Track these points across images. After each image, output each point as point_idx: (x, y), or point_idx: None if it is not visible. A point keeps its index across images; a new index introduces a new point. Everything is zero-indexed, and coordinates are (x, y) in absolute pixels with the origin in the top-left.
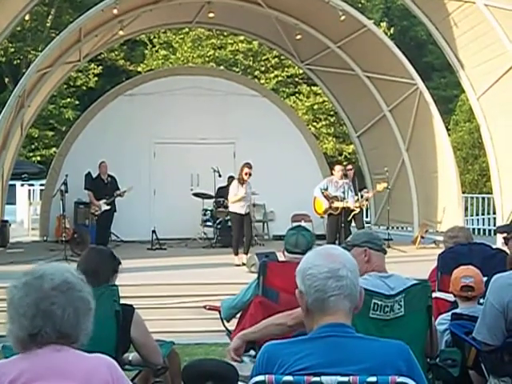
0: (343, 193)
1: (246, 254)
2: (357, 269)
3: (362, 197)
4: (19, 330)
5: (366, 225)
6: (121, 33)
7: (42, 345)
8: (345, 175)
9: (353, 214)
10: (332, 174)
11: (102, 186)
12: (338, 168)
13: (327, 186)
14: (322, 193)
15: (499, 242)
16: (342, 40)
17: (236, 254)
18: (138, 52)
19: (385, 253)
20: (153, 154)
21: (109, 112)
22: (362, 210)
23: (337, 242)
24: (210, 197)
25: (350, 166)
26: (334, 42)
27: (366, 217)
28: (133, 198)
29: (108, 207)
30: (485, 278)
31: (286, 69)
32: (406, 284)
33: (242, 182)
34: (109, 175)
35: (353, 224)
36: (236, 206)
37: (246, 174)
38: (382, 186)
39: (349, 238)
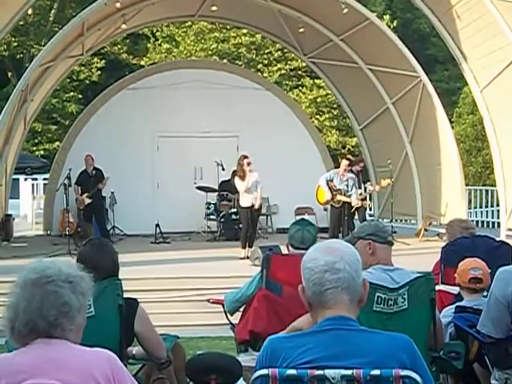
0: (347, 186)
1: (251, 247)
2: (358, 262)
3: (365, 190)
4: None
5: (368, 217)
6: (123, 26)
7: (25, 339)
8: (351, 171)
9: (355, 207)
10: (338, 167)
11: (87, 179)
12: (343, 163)
13: (333, 178)
14: (327, 183)
15: (503, 234)
16: (345, 33)
17: (244, 247)
18: (140, 46)
19: (391, 245)
20: (156, 147)
21: (112, 106)
22: (368, 205)
23: (340, 234)
24: (213, 190)
25: (362, 164)
26: (336, 35)
27: (370, 210)
28: (136, 192)
29: (89, 200)
30: (488, 271)
31: (289, 62)
32: (409, 277)
33: (243, 177)
34: (94, 167)
35: (356, 217)
36: (243, 200)
37: (248, 164)
38: (387, 182)
39: (355, 230)
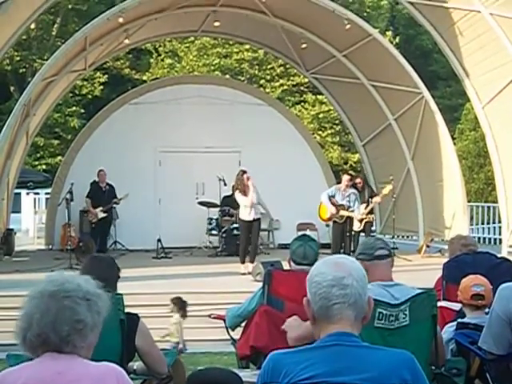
0: (348, 202)
1: (252, 262)
2: (365, 278)
3: (371, 201)
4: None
5: (371, 234)
6: (126, 41)
7: (36, 350)
8: (353, 186)
9: (364, 221)
10: (340, 183)
11: (100, 194)
12: (345, 178)
13: (335, 194)
14: (330, 199)
15: (504, 251)
16: (348, 49)
17: (242, 262)
18: (143, 61)
19: (382, 258)
20: (158, 162)
21: (114, 121)
22: (372, 219)
23: (342, 250)
24: (215, 205)
25: (358, 180)
26: (339, 51)
27: (372, 225)
28: (138, 207)
29: (104, 215)
30: (491, 288)
31: (291, 77)
32: (410, 293)
33: (244, 191)
34: (107, 183)
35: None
36: (243, 213)
37: (248, 179)
38: (388, 189)
39: None
